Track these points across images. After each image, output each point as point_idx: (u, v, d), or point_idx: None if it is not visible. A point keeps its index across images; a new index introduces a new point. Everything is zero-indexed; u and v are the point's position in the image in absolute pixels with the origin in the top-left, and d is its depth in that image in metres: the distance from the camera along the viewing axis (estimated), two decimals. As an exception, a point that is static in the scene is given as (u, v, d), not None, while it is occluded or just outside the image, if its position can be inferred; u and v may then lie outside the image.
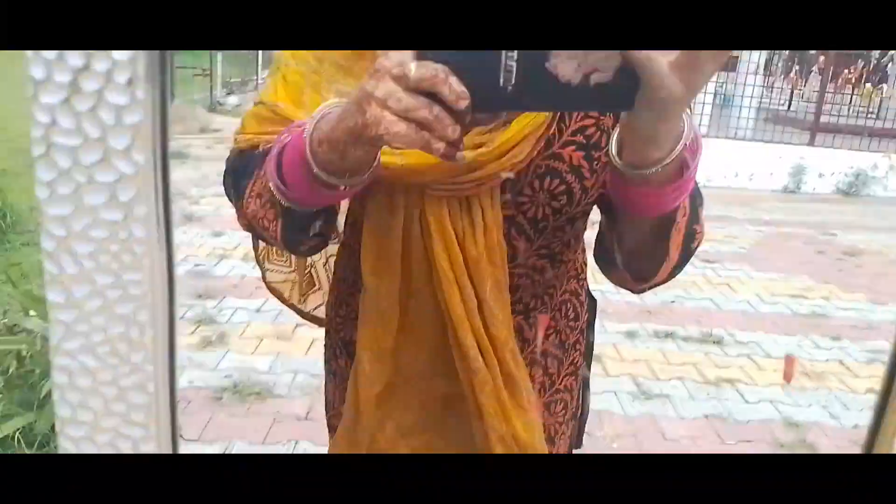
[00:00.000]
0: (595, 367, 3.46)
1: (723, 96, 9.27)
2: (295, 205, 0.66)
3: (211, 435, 2.63)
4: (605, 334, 3.84)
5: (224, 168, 0.79)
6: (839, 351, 3.85)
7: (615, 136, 0.59)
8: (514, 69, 0.50)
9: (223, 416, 2.76)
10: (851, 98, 9.45)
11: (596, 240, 0.79)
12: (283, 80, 0.74)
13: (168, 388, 0.36)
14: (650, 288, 0.77)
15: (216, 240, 4.95)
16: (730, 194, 7.57)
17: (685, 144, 0.57)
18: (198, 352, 3.29)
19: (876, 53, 9.01)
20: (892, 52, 9.62)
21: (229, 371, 3.12)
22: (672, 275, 0.74)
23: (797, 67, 9.81)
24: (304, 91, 0.73)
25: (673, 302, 4.39)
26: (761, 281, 4.89)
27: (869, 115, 9.40)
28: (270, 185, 0.65)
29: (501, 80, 0.50)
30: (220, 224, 5.24)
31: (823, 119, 8.55)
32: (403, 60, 0.50)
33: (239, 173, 0.74)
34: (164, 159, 0.35)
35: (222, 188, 0.81)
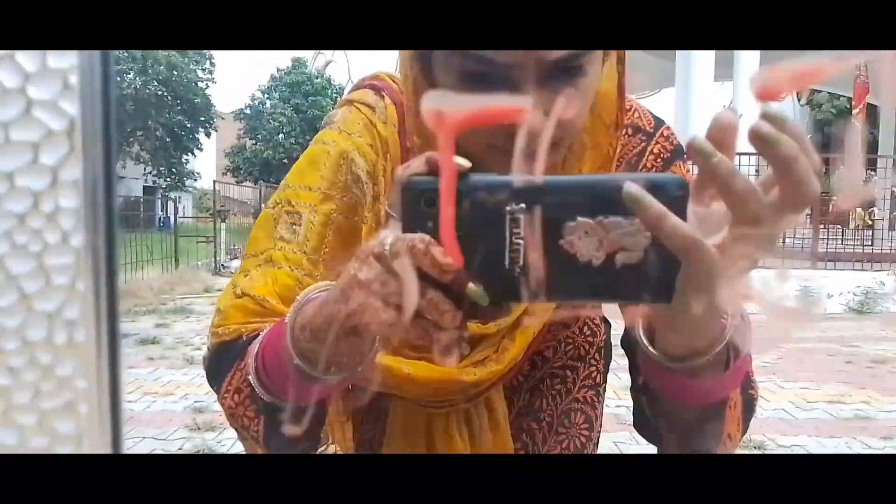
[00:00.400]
0: None
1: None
2: (277, 401, 0.58)
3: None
4: (636, 446, 3.58)
5: (205, 364, 0.71)
6: (893, 450, 3.56)
7: (640, 321, 0.52)
8: (521, 247, 0.41)
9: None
10: (843, 231, 9.64)
11: (633, 409, 0.70)
12: (274, 280, 0.68)
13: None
14: None
15: (217, 379, 4.83)
16: (742, 320, 7.44)
17: (732, 329, 0.49)
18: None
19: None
20: (874, 176, 10.01)
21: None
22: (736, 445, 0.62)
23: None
24: (294, 292, 0.65)
25: (703, 412, 4.13)
26: (793, 390, 4.66)
27: (866, 244, 9.53)
28: (250, 377, 0.59)
29: (507, 262, 0.42)
30: (221, 365, 5.15)
31: (821, 248, 8.66)
32: (385, 236, 0.44)
33: (218, 367, 0.66)
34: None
35: None
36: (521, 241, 0.41)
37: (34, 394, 0.29)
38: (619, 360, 0.78)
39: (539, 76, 0.56)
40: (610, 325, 0.84)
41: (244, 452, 0.69)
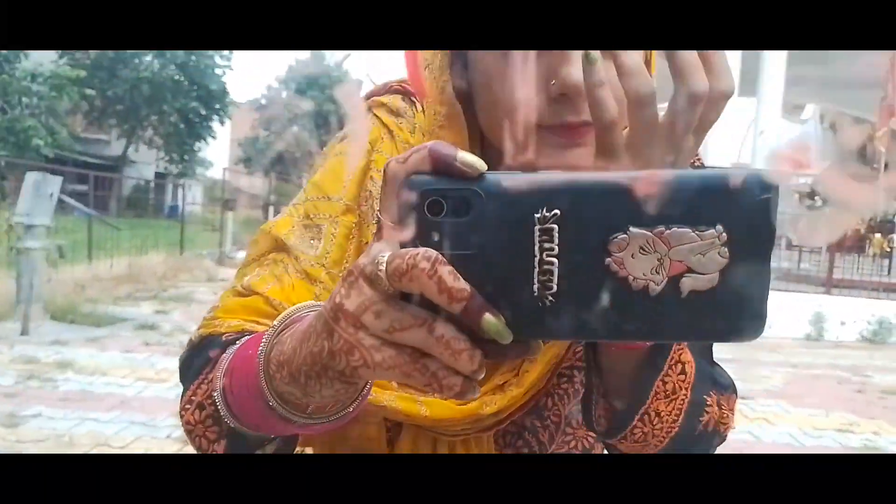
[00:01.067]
0: None
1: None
2: (244, 430, 0.50)
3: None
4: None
5: (179, 361, 0.63)
6: (904, 484, 3.43)
7: None
8: (556, 268, 0.32)
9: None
10: (859, 258, 9.51)
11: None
12: (292, 287, 0.61)
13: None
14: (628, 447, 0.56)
15: (212, 368, 4.79)
16: (752, 342, 7.33)
17: None
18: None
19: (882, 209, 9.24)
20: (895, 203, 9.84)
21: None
22: (671, 444, 0.55)
23: (804, 219, 10.00)
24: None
25: (707, 433, 4.02)
26: (800, 416, 4.54)
27: (882, 272, 9.40)
28: (217, 399, 0.49)
29: (536, 287, 0.32)
30: (218, 354, 5.12)
31: (836, 276, 8.54)
32: (379, 252, 0.34)
33: (188, 368, 0.59)
34: None
35: None
36: (554, 260, 0.32)
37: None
38: None
39: None
40: None
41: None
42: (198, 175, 24.44)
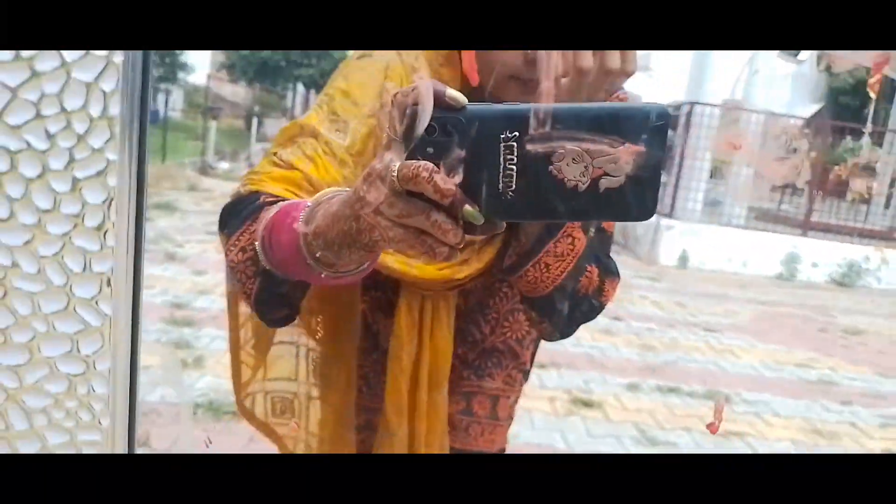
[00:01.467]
0: (594, 412, 3.34)
1: (713, 200, 9.44)
2: (276, 271, 0.65)
3: (183, 449, 2.37)
4: (605, 385, 3.66)
5: (223, 211, 0.77)
6: (850, 415, 3.68)
7: None
8: (515, 172, 0.45)
9: (197, 431, 2.57)
10: (839, 202, 9.66)
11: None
12: (326, 169, 0.76)
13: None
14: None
15: (198, 277, 4.86)
16: (724, 277, 7.55)
17: None
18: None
19: (864, 151, 9.35)
20: (879, 150, 9.97)
21: (205, 391, 2.98)
22: (557, 293, 0.76)
23: (789, 160, 10.09)
24: (338, 184, 0.74)
25: (675, 362, 4.22)
26: (764, 350, 4.75)
27: (857, 218, 9.58)
28: (256, 244, 0.66)
29: (500, 186, 0.45)
30: (202, 264, 5.20)
31: (814, 219, 8.70)
32: (391, 160, 0.47)
33: (231, 217, 0.74)
34: (135, 310, 0.34)
35: (207, 235, 0.75)
36: (513, 167, 0.45)
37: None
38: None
39: None
40: None
41: (243, 453, 0.81)
42: (179, 80, 23.75)
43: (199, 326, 3.80)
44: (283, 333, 0.93)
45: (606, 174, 0.44)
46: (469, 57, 0.71)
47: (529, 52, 0.68)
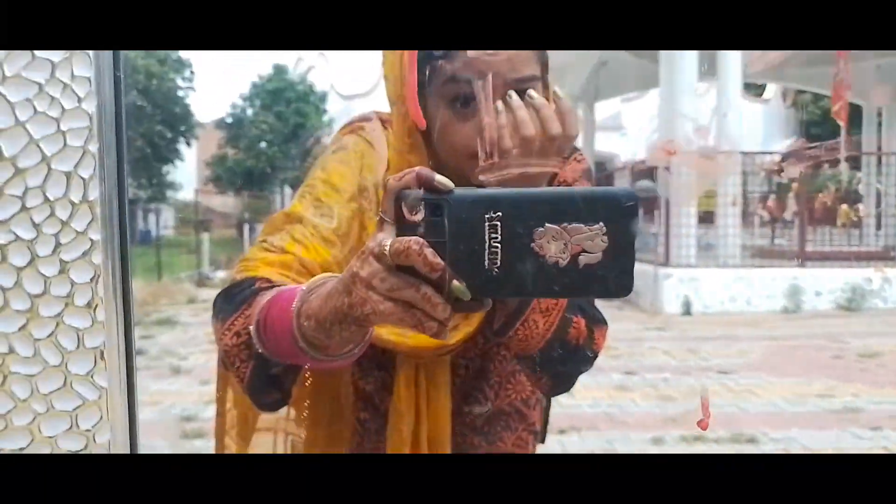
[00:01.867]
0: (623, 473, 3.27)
1: (706, 244, 9.52)
2: (269, 355, 0.68)
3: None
4: (629, 442, 3.57)
5: (217, 298, 0.80)
6: (882, 439, 3.58)
7: None
8: (499, 250, 0.48)
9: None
10: (830, 229, 9.75)
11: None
12: (316, 250, 0.79)
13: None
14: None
15: (204, 387, 4.81)
16: (730, 318, 7.51)
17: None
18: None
19: (844, 177, 9.50)
20: (859, 174, 10.12)
21: None
22: (548, 347, 0.77)
23: (773, 195, 10.25)
24: (330, 265, 0.79)
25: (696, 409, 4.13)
26: (782, 386, 4.68)
27: (851, 243, 9.65)
28: (251, 328, 0.67)
29: (486, 263, 0.48)
30: (206, 374, 5.15)
31: (808, 248, 8.76)
32: (383, 238, 0.50)
33: (226, 303, 0.76)
34: (130, 379, 0.36)
35: (210, 345, 0.80)
36: (498, 245, 0.48)
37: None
38: (610, 361, 0.82)
39: (501, 93, 0.71)
40: None
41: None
42: (168, 198, 24.19)
43: (209, 437, 3.73)
44: (264, 421, 0.94)
45: (584, 251, 0.47)
46: (413, 104, 0.77)
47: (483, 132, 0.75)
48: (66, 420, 0.33)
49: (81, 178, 0.36)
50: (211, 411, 3.36)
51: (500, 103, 0.70)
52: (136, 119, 22.45)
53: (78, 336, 0.35)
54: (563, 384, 0.84)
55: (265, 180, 23.23)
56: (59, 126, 0.35)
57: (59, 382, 0.35)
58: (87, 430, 0.33)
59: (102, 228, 0.37)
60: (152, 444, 3.64)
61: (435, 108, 0.77)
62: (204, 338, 6.74)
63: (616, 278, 0.48)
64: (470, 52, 0.70)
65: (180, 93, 23.56)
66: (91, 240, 0.36)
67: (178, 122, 23.52)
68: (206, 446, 3.59)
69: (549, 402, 1.00)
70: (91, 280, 0.35)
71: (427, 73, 0.75)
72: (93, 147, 0.36)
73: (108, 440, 0.32)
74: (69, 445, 0.34)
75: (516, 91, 0.72)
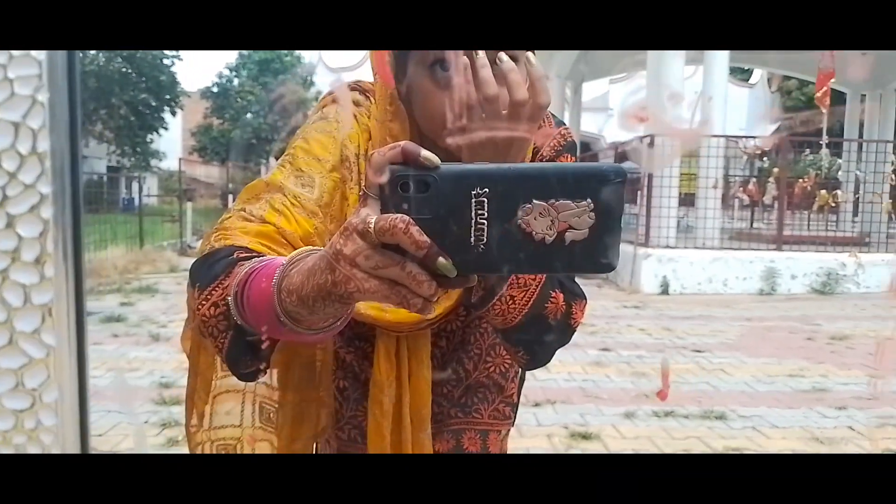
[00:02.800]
0: (593, 444, 3.32)
1: (686, 225, 9.59)
2: (247, 326, 0.67)
3: None
4: (602, 416, 3.64)
5: (193, 266, 0.77)
6: (847, 418, 3.68)
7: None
8: (485, 227, 0.47)
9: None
10: (808, 214, 9.85)
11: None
12: (297, 221, 0.78)
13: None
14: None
15: (183, 355, 4.78)
16: (707, 298, 7.60)
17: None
18: (165, 450, 3.07)
19: (825, 163, 9.59)
20: (839, 160, 10.21)
21: (192, 466, 2.91)
22: (526, 321, 0.78)
23: (754, 179, 10.33)
24: (311, 236, 0.78)
25: (669, 388, 4.21)
26: (755, 365, 4.76)
27: (829, 228, 9.76)
28: (229, 299, 0.66)
29: (472, 240, 0.47)
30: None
31: (786, 232, 8.85)
32: (367, 215, 0.49)
33: (203, 272, 0.73)
34: (80, 338, 0.35)
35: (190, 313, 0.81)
36: (484, 221, 0.47)
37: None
38: (587, 337, 0.85)
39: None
40: None
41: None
42: (152, 166, 23.88)
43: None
44: (230, 384, 0.92)
45: (571, 227, 0.47)
46: (381, 63, 0.77)
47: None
48: (11, 378, 0.34)
49: (30, 128, 0.37)
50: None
51: (464, 58, 0.68)
52: (120, 86, 22.04)
53: (25, 292, 0.35)
54: (540, 358, 0.83)
55: (250, 151, 22.98)
56: (5, 73, 0.35)
57: (5, 339, 0.35)
58: (34, 390, 0.33)
59: (53, 182, 0.37)
60: (135, 408, 3.66)
61: (414, 75, 0.76)
62: (184, 306, 6.65)
63: (602, 255, 0.47)
64: None
65: (167, 61, 23.16)
66: (40, 193, 0.37)
67: (164, 90, 23.14)
68: (183, 411, 3.62)
69: (522, 377, 1.01)
70: (40, 235, 0.35)
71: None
72: (42, 96, 0.36)
73: (56, 400, 0.33)
74: (14, 405, 0.33)
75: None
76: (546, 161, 0.86)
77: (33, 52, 0.37)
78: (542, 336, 0.79)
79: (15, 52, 0.37)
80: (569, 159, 0.87)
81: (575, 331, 0.82)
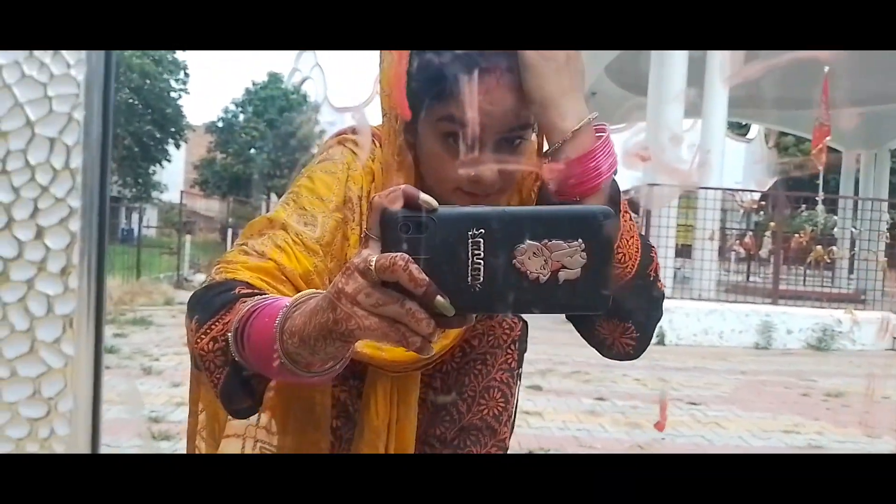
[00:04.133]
0: None
1: (683, 276, 9.63)
2: (244, 364, 0.68)
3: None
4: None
5: (192, 298, 0.79)
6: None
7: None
8: (482, 266, 0.49)
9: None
10: (805, 270, 9.91)
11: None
12: (297, 258, 0.79)
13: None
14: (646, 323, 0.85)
15: (174, 390, 4.77)
16: (702, 350, 7.58)
17: (589, 120, 0.72)
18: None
19: (821, 219, 9.70)
20: (835, 217, 10.31)
21: None
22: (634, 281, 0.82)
23: (750, 232, 10.41)
24: (310, 274, 0.79)
25: (663, 439, 4.17)
26: (750, 420, 4.72)
27: (824, 284, 9.80)
28: (229, 335, 0.67)
29: (469, 279, 0.49)
30: (178, 376, 5.11)
31: (782, 287, 8.89)
32: (368, 254, 0.51)
33: (203, 305, 0.75)
34: (97, 350, 0.37)
35: (184, 348, 0.83)
36: (480, 262, 0.49)
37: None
38: (567, 385, 0.85)
39: (496, 139, 0.75)
40: (527, 324, 0.99)
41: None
42: (153, 198, 23.99)
43: (176, 440, 3.70)
44: (232, 427, 0.92)
45: (564, 267, 0.48)
46: (400, 93, 0.79)
47: (473, 173, 0.78)
48: (29, 386, 0.34)
49: (65, 144, 0.39)
50: (180, 414, 3.38)
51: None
52: (126, 117, 22.30)
53: (48, 302, 0.36)
54: (647, 334, 0.85)
55: (251, 186, 23.14)
56: (45, 91, 0.37)
57: (26, 348, 0.35)
58: (50, 398, 0.34)
59: (82, 196, 0.38)
60: (122, 442, 3.60)
61: (426, 135, 0.79)
62: (178, 340, 6.67)
63: (595, 293, 0.49)
64: (469, 96, 0.70)
65: (173, 94, 23.48)
66: (70, 207, 0.38)
67: (169, 122, 23.40)
68: (173, 447, 3.56)
69: (513, 423, 1.02)
70: (66, 247, 0.36)
71: (425, 102, 0.76)
72: (79, 115, 0.38)
73: (70, 410, 0.33)
74: (30, 413, 0.34)
75: (507, 139, 0.76)
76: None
77: (72, 71, 0.38)
78: (648, 301, 0.83)
79: (55, 71, 0.38)
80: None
81: (663, 297, 0.87)
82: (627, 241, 0.79)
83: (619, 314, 0.83)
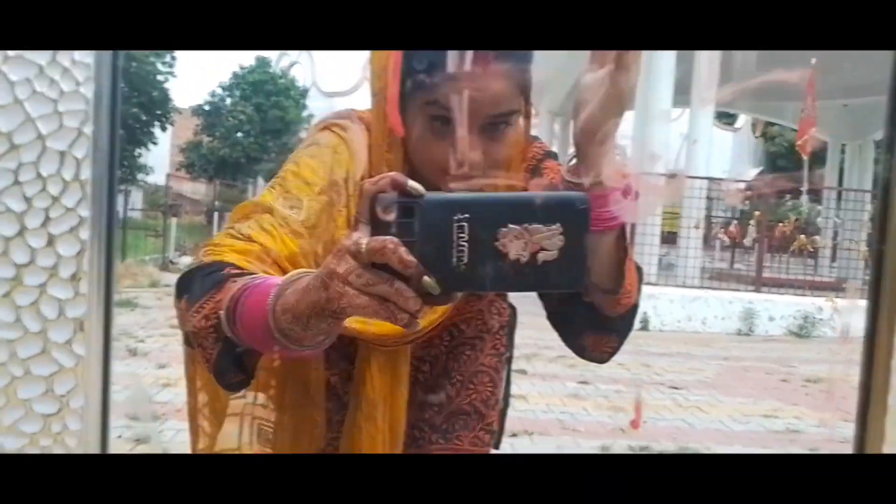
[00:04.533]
0: None
1: (668, 263, 9.72)
2: (237, 339, 0.70)
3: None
4: (578, 449, 3.66)
5: (181, 278, 0.81)
6: (820, 462, 3.72)
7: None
8: (466, 249, 0.52)
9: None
10: (788, 258, 10.02)
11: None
12: (282, 240, 0.81)
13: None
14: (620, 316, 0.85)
15: (160, 371, 4.79)
16: (686, 336, 7.67)
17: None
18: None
19: (805, 209, 9.81)
20: (819, 207, 10.43)
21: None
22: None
23: (735, 221, 10.51)
24: (296, 257, 0.81)
25: (645, 422, 4.24)
26: (730, 404, 4.81)
27: (806, 273, 9.92)
28: (221, 314, 0.70)
29: (454, 260, 0.52)
30: (164, 358, 5.12)
31: (765, 275, 8.99)
32: (359, 237, 0.54)
33: (194, 285, 0.77)
34: (106, 350, 0.39)
35: (169, 329, 0.82)
36: (465, 244, 0.52)
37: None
38: (552, 369, 0.88)
39: (482, 123, 0.77)
40: (515, 310, 1.02)
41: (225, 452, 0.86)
42: (138, 180, 23.76)
43: (162, 420, 3.72)
44: (230, 406, 0.94)
45: (543, 248, 0.52)
46: (393, 112, 0.82)
47: (458, 156, 0.80)
48: (41, 384, 0.36)
49: (75, 157, 0.41)
50: (166, 395, 3.42)
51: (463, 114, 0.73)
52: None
53: (60, 306, 0.38)
54: (621, 344, 0.89)
55: (238, 169, 22.98)
56: (56, 107, 0.39)
57: (39, 348, 0.37)
58: (62, 396, 0.36)
59: (91, 207, 0.41)
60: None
61: (413, 119, 0.81)
62: (163, 322, 6.66)
63: (571, 273, 0.53)
64: (456, 78, 0.71)
65: (160, 77, 23.18)
66: (80, 216, 0.41)
67: (155, 105, 23.12)
68: (158, 428, 3.59)
69: (506, 406, 1.04)
70: (77, 254, 0.38)
71: (409, 85, 0.79)
72: (88, 129, 0.40)
73: (81, 406, 0.35)
74: (43, 409, 0.36)
75: (495, 123, 0.78)
76: (531, 170, 0.93)
77: (82, 89, 0.41)
78: (635, 311, 0.84)
79: (65, 88, 0.41)
80: (554, 165, 0.93)
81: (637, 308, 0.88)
82: (630, 274, 0.81)
83: (606, 329, 0.87)
